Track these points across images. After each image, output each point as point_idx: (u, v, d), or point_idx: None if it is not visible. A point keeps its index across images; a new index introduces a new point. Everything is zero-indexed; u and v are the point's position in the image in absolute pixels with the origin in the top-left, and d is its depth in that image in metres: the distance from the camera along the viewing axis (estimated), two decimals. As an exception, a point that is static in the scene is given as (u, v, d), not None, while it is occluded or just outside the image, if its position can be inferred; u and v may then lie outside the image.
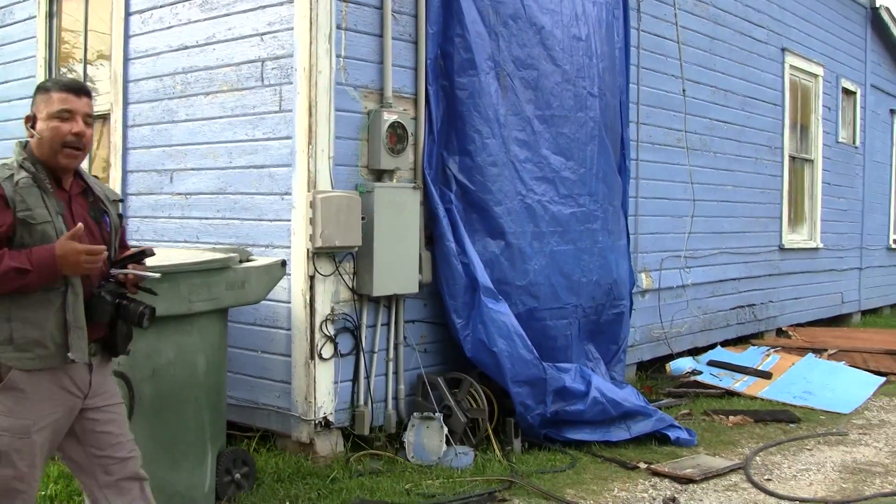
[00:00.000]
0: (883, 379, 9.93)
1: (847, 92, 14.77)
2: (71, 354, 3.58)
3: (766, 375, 9.57)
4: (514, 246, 7.18)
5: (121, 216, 3.99)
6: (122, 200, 4.07)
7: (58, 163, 3.64)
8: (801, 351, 10.81)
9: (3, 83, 9.27)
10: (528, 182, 7.31)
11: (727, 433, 7.65)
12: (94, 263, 3.48)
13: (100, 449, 3.81)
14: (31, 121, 3.70)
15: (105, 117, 8.00)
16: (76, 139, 3.63)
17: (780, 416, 8.22)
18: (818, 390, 9.19)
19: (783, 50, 12.40)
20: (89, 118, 3.72)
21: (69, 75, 8.60)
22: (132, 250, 3.84)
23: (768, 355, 10.41)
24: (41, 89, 3.71)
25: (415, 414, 6.68)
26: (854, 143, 15.14)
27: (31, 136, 3.68)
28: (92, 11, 8.31)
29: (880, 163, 16.38)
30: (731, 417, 8.10)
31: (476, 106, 7.01)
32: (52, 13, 8.67)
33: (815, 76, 13.48)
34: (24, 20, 9.00)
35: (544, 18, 7.52)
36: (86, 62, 8.40)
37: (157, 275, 3.77)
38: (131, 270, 3.73)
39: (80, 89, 3.73)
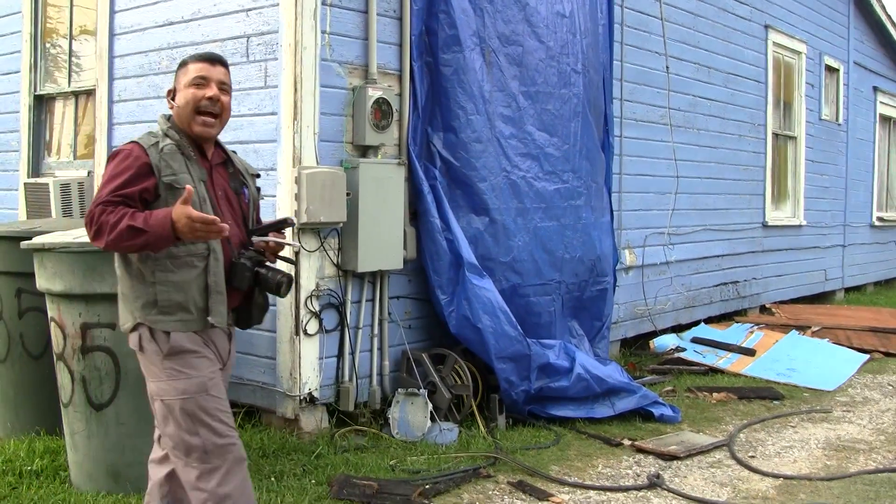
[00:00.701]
0: (867, 356, 9.99)
1: (830, 69, 14.79)
2: (211, 318, 3.73)
3: (749, 352, 9.62)
4: (498, 222, 7.19)
5: (258, 189, 4.14)
6: (258, 175, 4.22)
7: (193, 129, 3.80)
8: (785, 328, 10.87)
9: (-14, 58, 9.24)
10: (513, 158, 7.31)
11: (711, 410, 7.70)
12: (209, 232, 3.53)
13: None
14: (171, 93, 3.88)
15: (90, 93, 7.98)
16: (210, 103, 3.78)
17: (763, 393, 8.27)
18: (802, 367, 9.24)
19: (766, 27, 12.40)
20: (224, 85, 3.87)
21: (53, 51, 8.57)
22: (274, 219, 3.96)
23: (752, 332, 10.46)
24: (181, 64, 3.89)
25: (399, 390, 6.70)
26: (837, 120, 15.17)
27: (172, 108, 3.85)
28: (76, -14, 8.28)
29: (863, 140, 16.42)
30: (714, 394, 8.15)
31: (461, 82, 7.00)
32: (37, -12, 8.64)
33: (798, 53, 13.49)
34: (9, -5, 8.96)
35: (529, -6, 7.52)
36: (71, 37, 8.37)
37: (297, 244, 3.83)
38: (271, 238, 3.85)
39: (216, 59, 3.91)
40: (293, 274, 6.20)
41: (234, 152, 4.15)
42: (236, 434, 3.80)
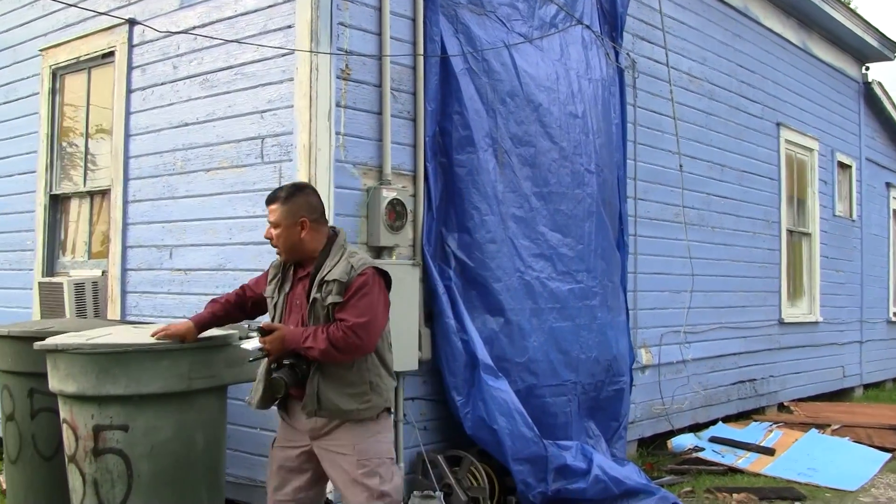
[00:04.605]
0: (889, 455, 9.81)
1: (842, 165, 14.84)
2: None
3: (769, 452, 9.48)
4: (513, 322, 7.14)
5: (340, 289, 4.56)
6: (336, 280, 4.60)
7: None
8: (804, 426, 10.72)
9: (4, 158, 9.31)
10: (527, 259, 7.30)
11: (730, 511, 7.57)
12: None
13: None
14: None
15: (105, 192, 8.03)
16: (270, 242, 4.76)
17: (784, 494, 8.12)
18: (823, 467, 9.08)
19: (778, 125, 12.49)
20: (272, 222, 4.70)
21: (69, 150, 8.64)
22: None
23: (770, 431, 10.32)
24: None
25: (415, 492, 6.59)
26: (851, 216, 15.18)
27: None
28: (94, 88, 8.37)
29: (877, 235, 16.40)
30: (734, 495, 8.00)
31: (474, 183, 7.02)
32: (55, 90, 8.72)
33: (811, 150, 13.56)
34: (27, 97, 9.05)
35: (541, 96, 7.58)
36: (87, 137, 8.45)
37: (252, 347, 4.59)
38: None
39: (266, 200, 4.77)
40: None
41: (345, 260, 4.66)
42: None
